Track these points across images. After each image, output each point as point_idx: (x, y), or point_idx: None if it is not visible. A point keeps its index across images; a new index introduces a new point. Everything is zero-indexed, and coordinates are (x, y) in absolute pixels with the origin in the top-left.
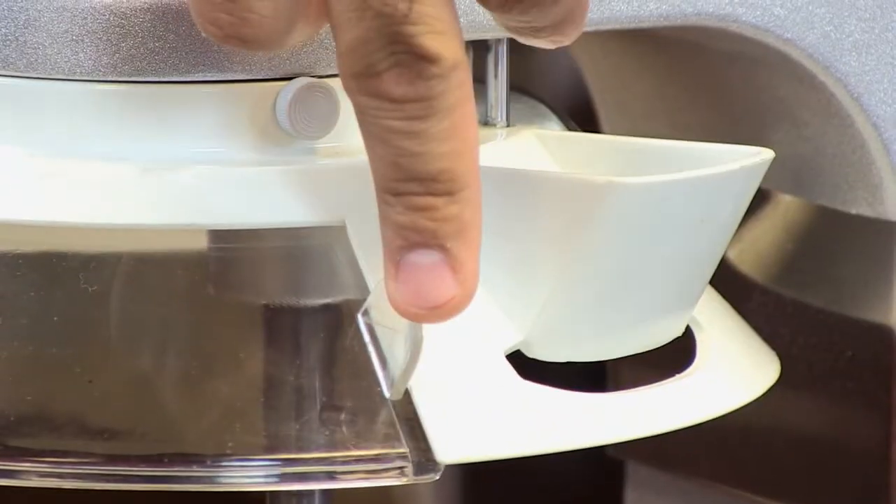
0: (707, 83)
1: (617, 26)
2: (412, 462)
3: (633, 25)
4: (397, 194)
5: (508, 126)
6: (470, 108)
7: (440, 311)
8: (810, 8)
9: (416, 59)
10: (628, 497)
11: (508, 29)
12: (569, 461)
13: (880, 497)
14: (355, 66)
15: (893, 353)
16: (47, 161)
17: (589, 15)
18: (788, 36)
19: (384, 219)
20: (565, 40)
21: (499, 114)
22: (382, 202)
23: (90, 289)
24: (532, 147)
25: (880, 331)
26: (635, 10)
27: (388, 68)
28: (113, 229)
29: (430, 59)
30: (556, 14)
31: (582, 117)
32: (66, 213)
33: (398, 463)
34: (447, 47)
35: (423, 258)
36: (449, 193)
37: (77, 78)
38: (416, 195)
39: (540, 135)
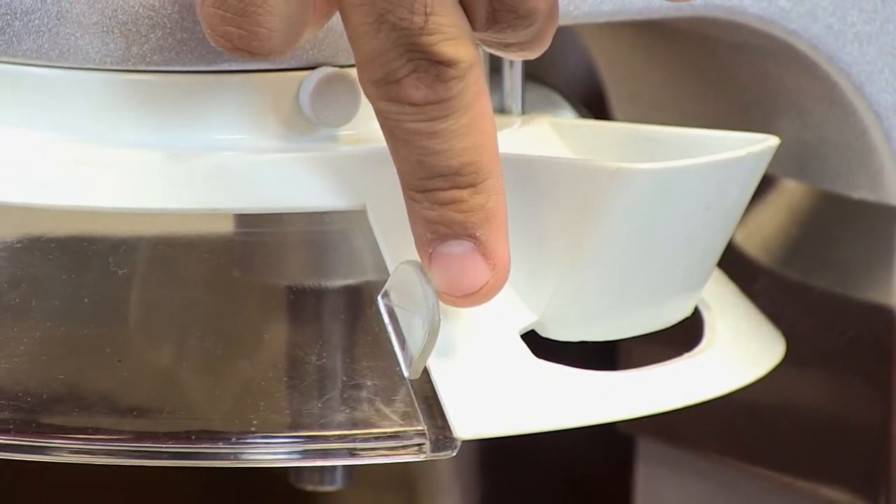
0: (715, 73)
1: (628, 18)
2: (429, 439)
3: (643, 17)
4: (424, 191)
5: (523, 114)
6: (486, 102)
7: (476, 297)
8: (814, 0)
9: (434, 65)
10: (640, 472)
11: (479, 40)
12: (582, 437)
13: (881, 472)
14: (375, 74)
15: (894, 334)
16: (78, 148)
17: (602, 6)
18: (793, 27)
19: (413, 215)
20: (531, 56)
21: (514, 102)
22: (410, 199)
23: (119, 272)
24: (546, 134)
25: (881, 312)
26: (646, 1)
27: (408, 74)
28: (141, 214)
29: (448, 64)
30: (527, 34)
31: (594, 106)
32: (96, 198)
33: (416, 440)
34: (463, 50)
35: (455, 248)
36: (473, 185)
37: (108, 67)
38: (442, 190)
39: (554, 122)
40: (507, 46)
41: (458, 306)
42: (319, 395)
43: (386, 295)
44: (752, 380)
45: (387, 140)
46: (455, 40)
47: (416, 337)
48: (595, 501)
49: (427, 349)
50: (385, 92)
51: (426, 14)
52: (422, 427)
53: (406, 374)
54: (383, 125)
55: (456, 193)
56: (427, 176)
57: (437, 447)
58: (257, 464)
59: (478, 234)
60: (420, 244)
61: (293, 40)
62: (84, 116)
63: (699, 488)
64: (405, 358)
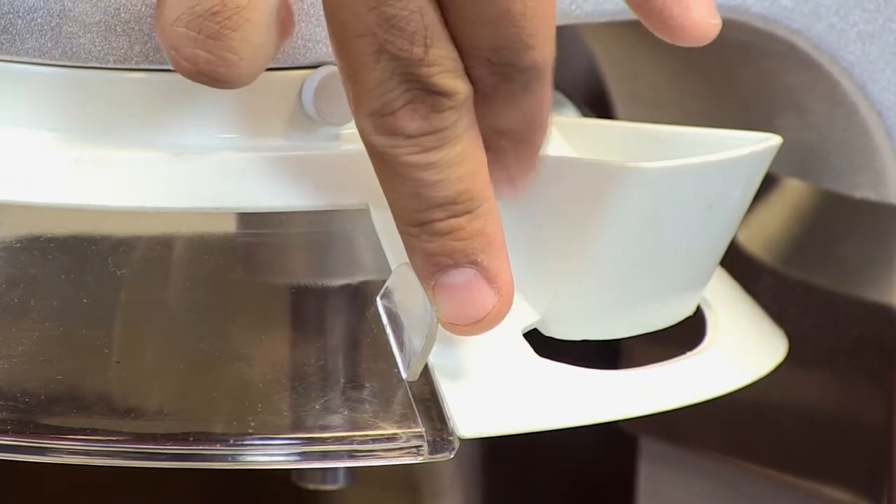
0: (718, 72)
1: (630, 17)
2: (427, 441)
3: None
4: (421, 224)
5: None
6: (477, 130)
7: (484, 323)
8: None
9: (431, 95)
10: (641, 471)
11: None
12: (583, 436)
13: (884, 470)
14: (372, 106)
15: None
16: (80, 146)
17: (604, 6)
18: (796, 26)
19: (412, 250)
20: (524, 161)
21: None
22: (407, 234)
23: (119, 272)
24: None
25: (884, 310)
26: None
27: (404, 105)
28: (143, 213)
29: (445, 94)
30: (523, 110)
31: (597, 105)
32: (98, 197)
33: (414, 442)
34: (460, 83)
35: (458, 277)
36: (469, 211)
37: (110, 66)
38: (439, 221)
39: (557, 122)
40: (501, 134)
41: (465, 335)
42: (318, 396)
43: (385, 296)
44: (754, 379)
45: (380, 177)
46: (452, 72)
47: (414, 339)
48: (597, 500)
49: (425, 351)
50: (381, 124)
51: (426, 46)
52: (420, 429)
53: (404, 375)
54: (377, 161)
55: (454, 222)
56: (424, 208)
57: (434, 449)
58: (255, 465)
59: (479, 260)
60: (422, 277)
61: (256, 72)
62: (86, 115)
63: (701, 487)
64: (403, 360)
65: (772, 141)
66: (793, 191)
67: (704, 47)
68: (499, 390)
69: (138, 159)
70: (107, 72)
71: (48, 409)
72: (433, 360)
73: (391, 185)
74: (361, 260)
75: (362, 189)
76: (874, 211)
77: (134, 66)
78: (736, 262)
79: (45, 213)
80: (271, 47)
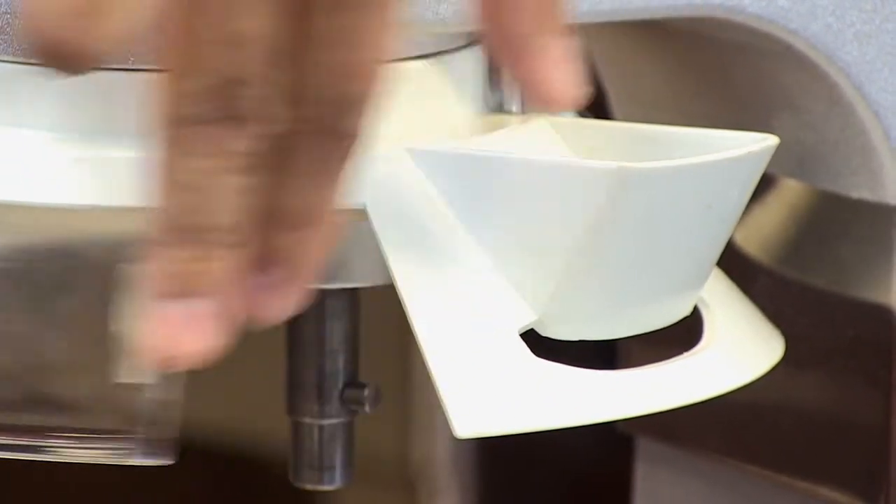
0: (715, 73)
1: (628, 17)
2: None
3: (643, 16)
4: (179, 245)
5: (523, 113)
6: (261, 159)
7: (177, 362)
8: None
9: (244, 120)
10: (638, 471)
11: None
12: (580, 436)
13: (880, 471)
14: (180, 111)
15: (893, 333)
16: (79, 146)
17: (600, 6)
18: (792, 27)
19: (150, 263)
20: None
21: (514, 101)
22: (156, 247)
23: (117, 272)
24: (546, 133)
25: (880, 311)
26: (644, 1)
27: (214, 121)
28: (142, 213)
29: (260, 123)
30: (309, 193)
31: (594, 105)
32: (97, 197)
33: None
34: (278, 113)
35: (179, 307)
36: (228, 246)
37: (108, 66)
38: (195, 243)
39: (553, 122)
40: (280, 216)
41: (161, 367)
42: (318, 394)
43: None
44: (751, 379)
45: (156, 186)
46: (274, 102)
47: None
48: (594, 500)
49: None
50: (183, 134)
51: (260, 69)
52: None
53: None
54: (162, 168)
55: (211, 252)
56: (187, 228)
57: (150, 451)
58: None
59: (210, 297)
60: (145, 293)
61: (111, 53)
62: (85, 115)
63: (698, 487)
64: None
65: (769, 141)
66: (789, 191)
67: (702, 47)
68: (496, 390)
69: (138, 159)
70: (105, 72)
71: (45, 409)
72: (430, 359)
73: (163, 196)
74: (359, 261)
75: (360, 190)
76: (871, 211)
77: (132, 67)
78: (733, 263)
79: (44, 213)
80: (135, 36)
